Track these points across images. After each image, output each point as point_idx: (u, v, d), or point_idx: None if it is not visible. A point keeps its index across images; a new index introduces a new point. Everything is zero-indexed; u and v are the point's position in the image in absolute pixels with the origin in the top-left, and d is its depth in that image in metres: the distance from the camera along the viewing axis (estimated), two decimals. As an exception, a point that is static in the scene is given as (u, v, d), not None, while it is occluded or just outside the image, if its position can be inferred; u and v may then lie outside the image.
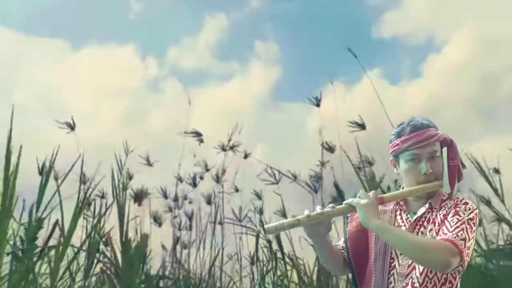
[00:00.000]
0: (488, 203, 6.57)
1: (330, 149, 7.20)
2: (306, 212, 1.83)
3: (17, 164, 5.60)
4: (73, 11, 9.92)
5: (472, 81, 9.02)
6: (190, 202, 7.63)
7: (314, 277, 6.91)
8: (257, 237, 7.32)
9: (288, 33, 9.92)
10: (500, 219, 6.49)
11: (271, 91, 9.54)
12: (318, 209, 1.85)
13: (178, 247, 7.39)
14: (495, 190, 6.41)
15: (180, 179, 7.62)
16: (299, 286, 6.99)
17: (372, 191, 1.86)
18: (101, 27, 10.00)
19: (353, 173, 6.62)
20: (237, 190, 7.56)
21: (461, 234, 1.71)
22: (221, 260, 7.31)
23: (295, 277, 7.06)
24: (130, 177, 7.08)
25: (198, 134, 7.54)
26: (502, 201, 6.42)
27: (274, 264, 7.19)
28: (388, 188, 6.35)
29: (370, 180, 6.50)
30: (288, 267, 7.11)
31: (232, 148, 7.48)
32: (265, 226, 1.90)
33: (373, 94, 6.61)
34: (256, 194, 7.47)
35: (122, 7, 10.28)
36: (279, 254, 7.16)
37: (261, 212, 7.41)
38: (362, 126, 6.75)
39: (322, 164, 7.21)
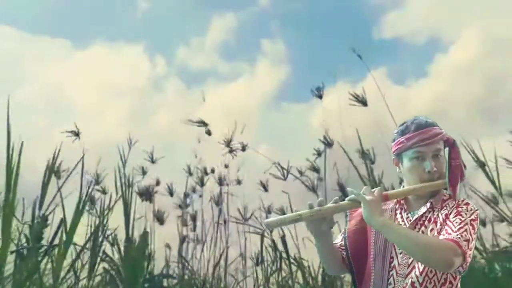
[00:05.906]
0: (495, 203, 6.46)
1: (328, 144, 7.16)
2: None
3: (19, 160, 5.60)
4: (81, 10, 9.96)
5: (478, 82, 8.95)
6: (201, 196, 7.60)
7: (319, 278, 6.87)
8: (262, 237, 7.29)
9: (295, 32, 9.91)
10: (502, 219, 6.40)
11: (278, 91, 9.53)
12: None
13: (184, 246, 7.38)
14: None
15: (190, 173, 7.58)
16: None
17: (377, 188, 1.83)
18: (109, 26, 10.04)
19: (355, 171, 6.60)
20: (239, 183, 7.54)
21: (465, 235, 1.69)
22: (226, 260, 7.30)
23: (300, 278, 7.02)
24: (135, 175, 7.10)
25: (203, 124, 7.49)
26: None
27: (279, 265, 7.16)
28: (393, 188, 6.28)
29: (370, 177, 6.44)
30: (293, 268, 7.07)
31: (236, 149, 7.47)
32: (266, 221, 1.86)
33: (378, 94, 6.57)
34: (262, 185, 7.41)
35: (130, 6, 10.31)
36: (284, 255, 7.12)
37: (268, 211, 7.38)
38: (363, 103, 6.66)
39: (319, 154, 7.18)
